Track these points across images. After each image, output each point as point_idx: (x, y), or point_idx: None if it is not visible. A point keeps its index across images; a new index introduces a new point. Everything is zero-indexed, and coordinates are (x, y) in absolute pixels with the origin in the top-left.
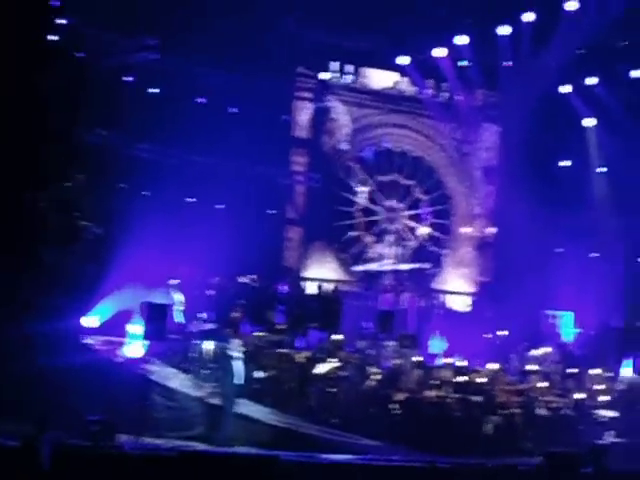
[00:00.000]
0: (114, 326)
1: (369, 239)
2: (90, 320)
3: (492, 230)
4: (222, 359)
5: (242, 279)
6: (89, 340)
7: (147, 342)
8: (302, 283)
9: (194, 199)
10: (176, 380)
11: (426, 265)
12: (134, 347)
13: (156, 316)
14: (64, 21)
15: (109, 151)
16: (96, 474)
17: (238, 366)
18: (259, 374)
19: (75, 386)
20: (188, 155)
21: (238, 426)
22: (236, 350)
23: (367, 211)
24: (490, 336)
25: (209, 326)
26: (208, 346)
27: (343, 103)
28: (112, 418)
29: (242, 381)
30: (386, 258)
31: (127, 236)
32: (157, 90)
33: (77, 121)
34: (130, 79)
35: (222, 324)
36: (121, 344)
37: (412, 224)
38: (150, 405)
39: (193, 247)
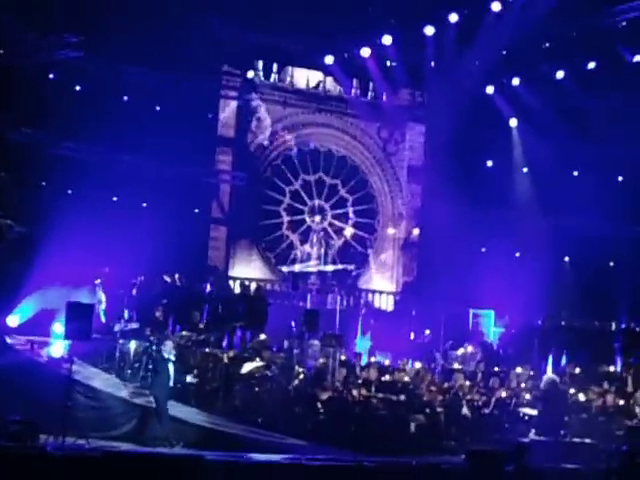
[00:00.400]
0: (38, 325)
1: (294, 238)
2: (13, 319)
3: (416, 232)
4: (158, 362)
5: (166, 278)
6: (12, 339)
7: (70, 342)
8: (227, 282)
9: (119, 198)
10: (99, 380)
11: (350, 266)
12: (58, 347)
13: (80, 315)
14: None
15: (33, 149)
16: (18, 475)
17: (172, 368)
18: (189, 377)
19: None
20: (113, 153)
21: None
22: (170, 352)
23: (292, 210)
24: (414, 335)
25: (133, 325)
26: (133, 346)
27: (269, 102)
28: (34, 418)
29: (172, 383)
30: (311, 257)
31: (51, 235)
32: (81, 88)
33: (0, 119)
34: (54, 77)
35: (145, 323)
36: (45, 344)
37: (337, 223)
38: (73, 405)
39: (117, 246)
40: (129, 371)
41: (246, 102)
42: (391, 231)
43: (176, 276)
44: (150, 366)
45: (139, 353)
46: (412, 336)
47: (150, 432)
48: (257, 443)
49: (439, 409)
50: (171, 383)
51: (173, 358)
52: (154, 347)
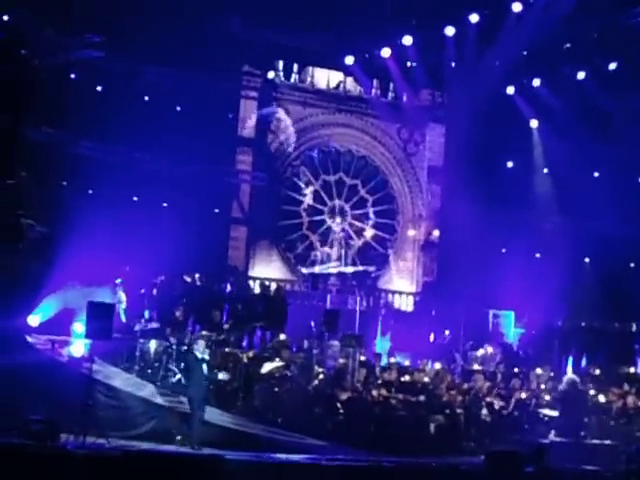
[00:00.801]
0: (59, 325)
1: (314, 238)
2: (34, 319)
3: (436, 233)
4: (192, 362)
5: (187, 278)
6: (33, 339)
7: (91, 341)
8: (247, 282)
9: (139, 197)
10: (120, 379)
11: (371, 268)
12: (79, 346)
13: (101, 315)
14: (5, 17)
15: (54, 149)
16: (39, 474)
17: (205, 368)
18: (221, 374)
19: (18, 385)
20: (134, 153)
21: (183, 426)
22: (203, 352)
23: (312, 210)
24: (433, 336)
25: (153, 325)
26: (153, 345)
27: (289, 102)
28: (55, 417)
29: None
30: (331, 258)
31: (72, 234)
32: (102, 88)
33: (21, 119)
34: (75, 77)
35: (165, 323)
36: (66, 343)
37: (357, 224)
38: (94, 404)
39: (138, 245)
40: (149, 371)
41: (267, 102)
42: (411, 233)
43: (196, 276)
44: (170, 365)
45: (159, 353)
46: (432, 337)
47: (170, 431)
48: (277, 443)
49: (459, 410)
50: (205, 383)
51: (207, 357)
52: (174, 347)
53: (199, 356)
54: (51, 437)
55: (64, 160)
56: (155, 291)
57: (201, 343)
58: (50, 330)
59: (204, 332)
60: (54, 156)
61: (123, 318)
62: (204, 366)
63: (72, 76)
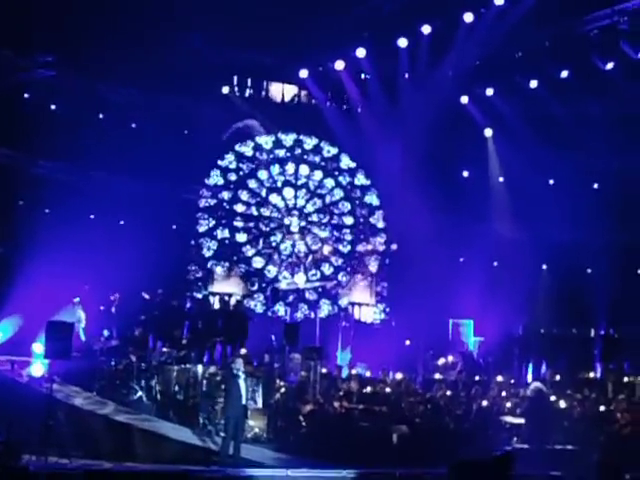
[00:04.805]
0: (19, 345)
1: (273, 253)
2: None
3: (394, 246)
4: (230, 379)
5: (145, 295)
6: None
7: (50, 361)
8: (207, 298)
9: (96, 215)
10: (80, 398)
11: (330, 283)
12: (39, 366)
13: (60, 335)
14: None
15: (9, 169)
16: None
17: (243, 385)
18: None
19: None
20: (89, 171)
21: (146, 443)
22: (240, 369)
23: (271, 225)
24: (394, 346)
25: (112, 343)
26: (113, 364)
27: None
28: (16, 438)
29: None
30: (291, 272)
31: (29, 254)
32: (57, 107)
33: None
34: (29, 96)
35: (125, 341)
36: (26, 363)
37: (316, 237)
38: (55, 424)
39: (96, 264)
40: (110, 389)
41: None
42: (369, 247)
43: (159, 291)
44: (131, 383)
45: (120, 371)
46: (394, 347)
47: (132, 449)
48: (240, 457)
49: (421, 419)
50: (243, 401)
51: (242, 375)
52: (135, 365)
53: (235, 373)
54: (12, 457)
55: (20, 180)
56: (114, 309)
57: (238, 361)
58: (9, 350)
59: (165, 349)
60: (9, 176)
61: (82, 337)
62: (241, 383)
63: (26, 96)
